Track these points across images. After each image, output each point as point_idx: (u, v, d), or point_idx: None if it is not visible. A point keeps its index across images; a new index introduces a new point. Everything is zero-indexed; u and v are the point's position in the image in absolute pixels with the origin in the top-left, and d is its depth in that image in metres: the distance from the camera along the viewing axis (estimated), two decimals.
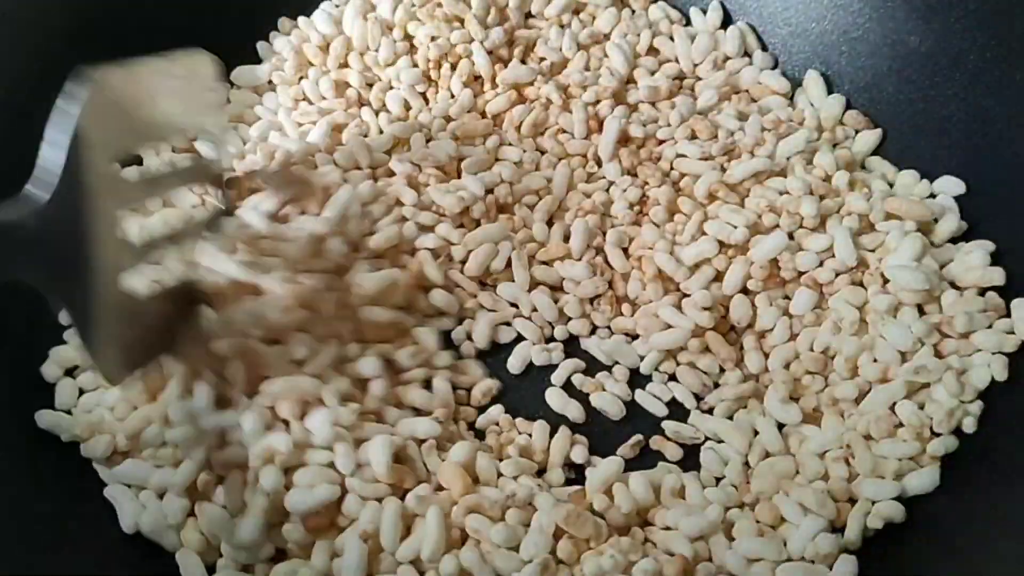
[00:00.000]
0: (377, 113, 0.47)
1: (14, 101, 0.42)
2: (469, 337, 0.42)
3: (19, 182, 0.41)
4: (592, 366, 0.42)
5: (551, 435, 0.39)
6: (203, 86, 0.38)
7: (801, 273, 0.42)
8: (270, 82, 0.48)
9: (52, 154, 0.30)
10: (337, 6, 0.50)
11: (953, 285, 0.42)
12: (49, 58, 0.44)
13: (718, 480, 0.39)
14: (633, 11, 0.51)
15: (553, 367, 0.42)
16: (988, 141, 0.44)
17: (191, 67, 0.37)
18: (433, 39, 0.47)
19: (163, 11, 0.47)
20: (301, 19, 0.50)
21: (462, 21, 0.48)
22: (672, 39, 0.50)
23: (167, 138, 0.43)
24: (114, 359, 0.34)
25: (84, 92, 0.31)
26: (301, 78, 0.48)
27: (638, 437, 0.40)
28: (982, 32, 0.44)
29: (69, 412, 0.38)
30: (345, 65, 0.48)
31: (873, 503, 0.37)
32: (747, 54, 0.50)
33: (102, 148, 0.31)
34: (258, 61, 0.49)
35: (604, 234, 0.44)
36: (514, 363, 0.42)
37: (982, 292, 0.41)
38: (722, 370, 0.41)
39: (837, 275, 0.42)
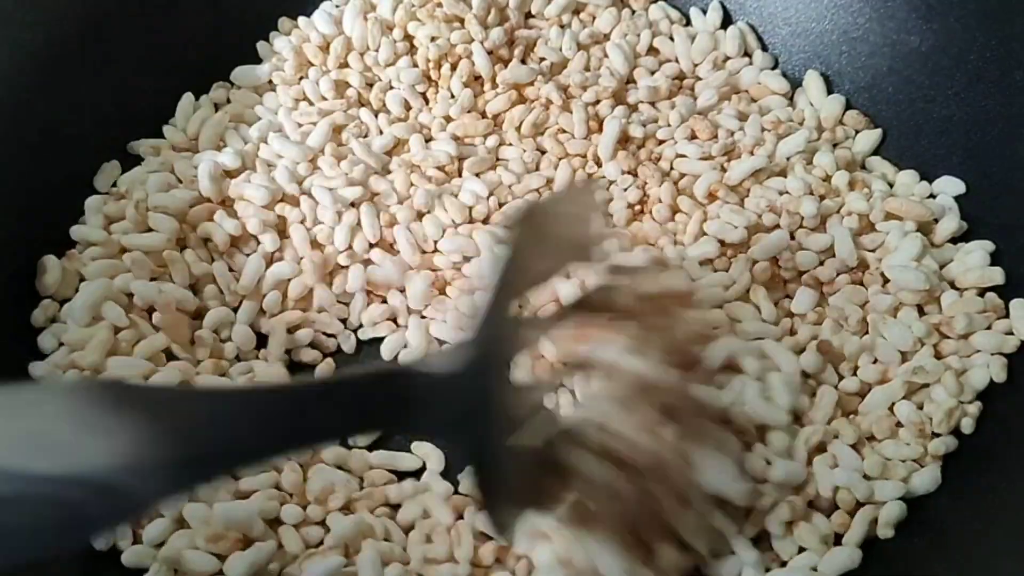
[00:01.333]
0: (377, 114, 0.47)
1: (14, 100, 0.43)
2: None
3: (10, 182, 0.41)
4: None
5: None
6: (587, 212, 0.36)
7: (802, 272, 0.42)
8: (270, 82, 0.48)
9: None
10: (337, 6, 0.50)
11: (953, 285, 0.42)
12: (49, 58, 0.44)
13: None
14: (633, 11, 0.51)
15: None
16: (988, 141, 0.44)
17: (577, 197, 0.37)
18: (433, 39, 0.47)
19: (164, 11, 0.47)
20: (301, 19, 0.50)
21: (462, 21, 0.48)
22: (672, 39, 0.50)
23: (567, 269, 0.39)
24: (508, 510, 0.31)
25: (516, 228, 0.29)
26: (301, 78, 0.48)
27: None
28: (982, 32, 0.44)
29: None
30: (345, 65, 0.48)
31: (873, 504, 0.37)
32: (747, 54, 0.50)
33: (516, 286, 0.30)
34: (258, 61, 0.49)
35: None
36: None
37: (982, 293, 0.41)
38: None
39: (838, 274, 0.42)
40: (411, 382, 0.27)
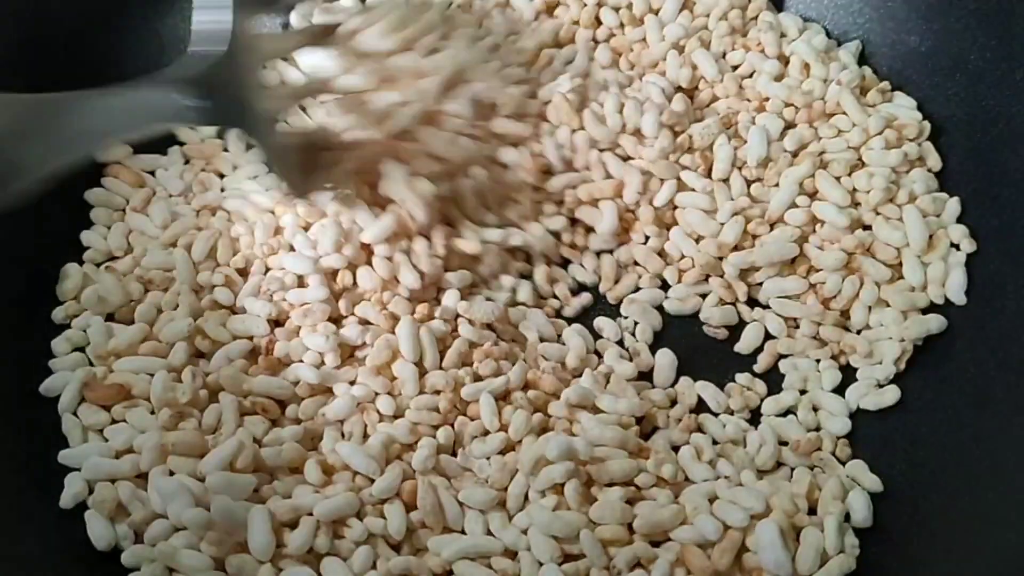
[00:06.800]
0: None
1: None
2: None
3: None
4: None
5: None
6: None
7: None
8: None
9: (219, 15, 0.34)
10: None
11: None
12: (48, 49, 0.44)
13: None
14: None
15: None
16: (988, 141, 0.43)
17: None
18: None
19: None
20: None
21: None
22: None
23: None
24: (296, 182, 0.40)
25: None
26: None
27: None
28: (982, 32, 0.44)
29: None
30: None
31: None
32: None
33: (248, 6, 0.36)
34: None
35: None
36: None
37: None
38: None
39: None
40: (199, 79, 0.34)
